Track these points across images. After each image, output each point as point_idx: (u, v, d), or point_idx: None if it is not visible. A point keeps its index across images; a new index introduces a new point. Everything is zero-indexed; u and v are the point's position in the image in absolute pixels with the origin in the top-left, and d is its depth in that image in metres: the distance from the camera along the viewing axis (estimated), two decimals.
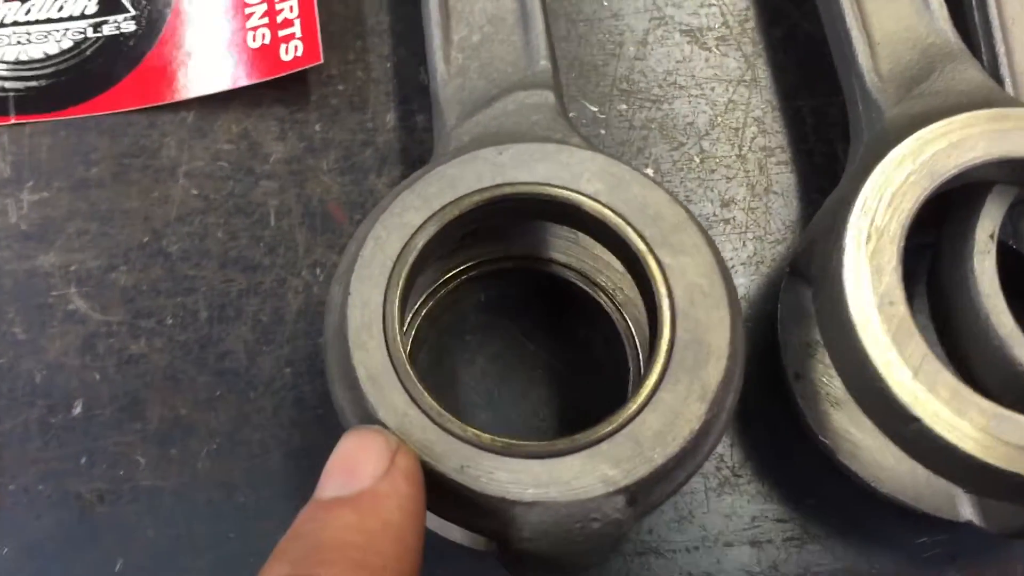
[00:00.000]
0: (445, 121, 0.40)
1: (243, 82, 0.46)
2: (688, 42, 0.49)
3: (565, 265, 0.43)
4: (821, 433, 0.40)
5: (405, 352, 0.33)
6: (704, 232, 0.35)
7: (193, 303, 0.44)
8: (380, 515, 0.29)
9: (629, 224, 0.35)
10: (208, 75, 0.47)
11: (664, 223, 0.35)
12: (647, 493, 0.33)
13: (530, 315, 0.44)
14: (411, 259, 0.35)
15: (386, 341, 0.33)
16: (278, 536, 0.40)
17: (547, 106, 0.40)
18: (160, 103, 0.47)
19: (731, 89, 0.48)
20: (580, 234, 0.43)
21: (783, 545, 0.41)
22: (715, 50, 0.49)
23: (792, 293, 0.42)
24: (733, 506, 0.41)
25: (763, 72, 0.48)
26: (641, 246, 0.35)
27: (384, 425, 0.32)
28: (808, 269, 0.42)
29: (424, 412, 0.33)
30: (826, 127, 0.47)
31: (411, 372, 0.33)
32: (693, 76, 0.48)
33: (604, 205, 0.35)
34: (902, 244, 0.35)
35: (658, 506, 0.34)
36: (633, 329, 0.42)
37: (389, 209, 0.35)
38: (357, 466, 0.30)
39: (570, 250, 0.43)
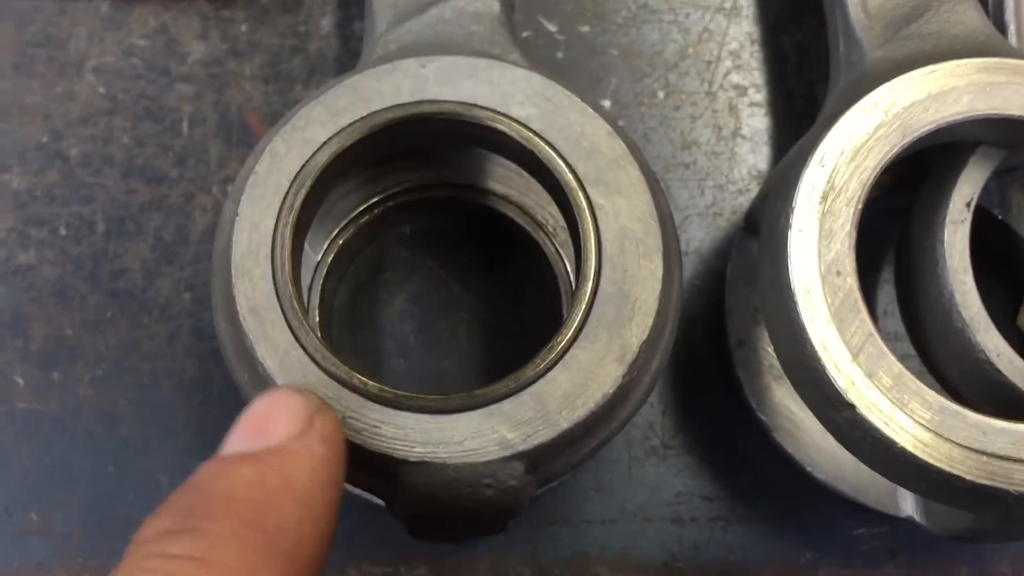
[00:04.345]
0: (375, 25, 0.36)
1: None
2: None
3: (504, 197, 0.39)
4: (759, 408, 0.36)
5: (294, 285, 0.29)
6: (646, 171, 0.31)
7: (90, 214, 0.40)
8: (284, 473, 0.25)
9: (560, 156, 0.31)
10: None
11: (600, 158, 0.31)
12: (550, 460, 0.29)
13: (459, 253, 0.40)
14: (309, 181, 0.31)
15: (273, 272, 0.30)
16: (159, 473, 0.38)
17: (490, 16, 0.35)
18: None
19: (708, 17, 0.43)
20: None
21: (708, 525, 0.38)
22: None
23: (745, 251, 0.38)
24: (659, 479, 0.38)
25: (746, 0, 0.43)
26: (571, 182, 0.31)
27: (262, 364, 0.29)
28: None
29: (308, 353, 0.29)
30: (809, 66, 0.43)
31: (297, 307, 0.29)
32: None
33: (534, 133, 0.31)
34: (860, 207, 0.31)
35: (563, 475, 0.30)
36: (572, 276, 0.38)
37: (291, 122, 0.31)
38: (267, 423, 0.26)
39: (512, 181, 0.39)
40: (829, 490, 0.36)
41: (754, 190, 0.41)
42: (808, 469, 0.36)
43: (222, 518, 0.24)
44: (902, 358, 0.38)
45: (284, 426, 0.26)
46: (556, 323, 0.38)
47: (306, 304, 0.36)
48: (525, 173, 0.39)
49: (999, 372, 0.32)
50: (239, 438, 0.26)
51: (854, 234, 0.31)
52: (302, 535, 0.25)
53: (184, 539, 0.23)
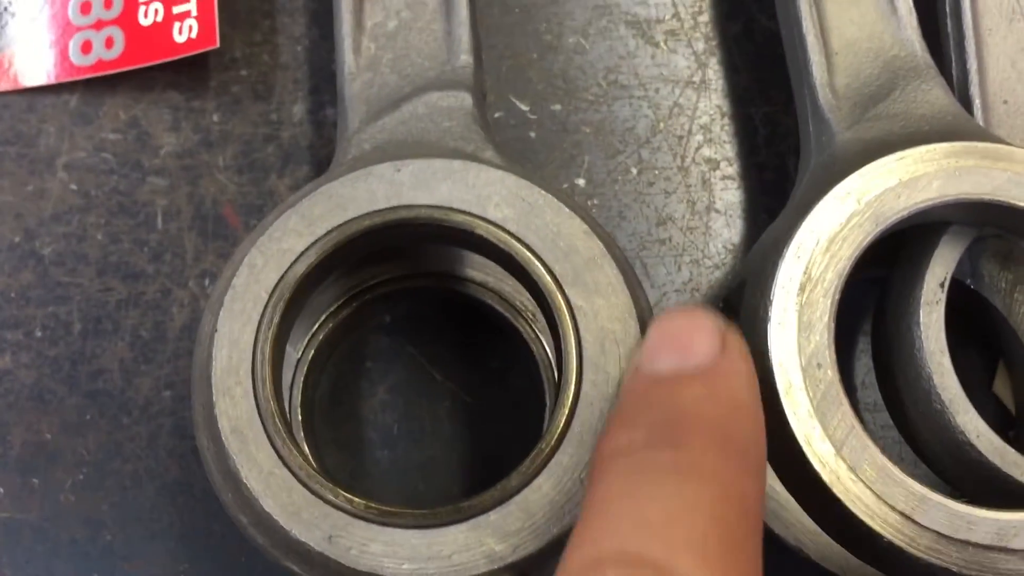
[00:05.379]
0: (348, 123, 0.36)
1: (131, 64, 0.41)
2: (634, 35, 0.44)
3: (481, 284, 0.39)
4: None
5: (276, 401, 0.29)
6: (624, 267, 0.32)
7: (66, 314, 0.40)
8: (729, 391, 0.26)
9: (538, 258, 0.31)
10: (93, 54, 0.42)
11: (577, 258, 0.31)
12: (538, 569, 0.29)
13: (439, 340, 0.40)
14: (288, 293, 0.31)
15: (254, 388, 0.30)
16: None
17: (462, 111, 0.35)
18: (41, 84, 0.42)
19: (677, 91, 0.43)
20: None
21: None
22: (663, 45, 0.44)
23: None
24: None
25: (714, 73, 0.44)
26: (550, 284, 0.31)
27: (247, 484, 0.29)
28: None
29: (292, 472, 0.29)
30: (779, 138, 0.43)
31: (280, 425, 0.29)
32: (637, 75, 0.44)
33: (511, 235, 0.31)
34: (837, 297, 0.31)
35: None
36: (553, 362, 0.38)
37: (268, 232, 0.31)
38: (691, 341, 0.26)
39: (488, 268, 0.39)
40: (817, 568, 0.36)
41: (730, 264, 0.41)
42: (795, 547, 0.36)
43: (699, 433, 0.24)
44: (882, 428, 0.39)
45: (706, 343, 0.26)
46: (539, 405, 0.38)
47: (288, 403, 0.36)
48: None
49: (979, 453, 0.32)
50: (665, 355, 0.26)
51: (832, 325, 0.31)
52: (760, 457, 0.25)
53: (668, 451, 0.24)
